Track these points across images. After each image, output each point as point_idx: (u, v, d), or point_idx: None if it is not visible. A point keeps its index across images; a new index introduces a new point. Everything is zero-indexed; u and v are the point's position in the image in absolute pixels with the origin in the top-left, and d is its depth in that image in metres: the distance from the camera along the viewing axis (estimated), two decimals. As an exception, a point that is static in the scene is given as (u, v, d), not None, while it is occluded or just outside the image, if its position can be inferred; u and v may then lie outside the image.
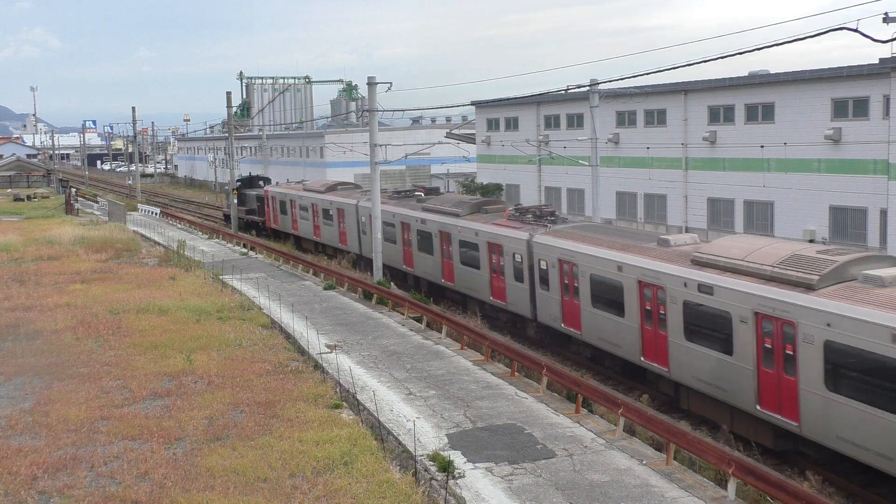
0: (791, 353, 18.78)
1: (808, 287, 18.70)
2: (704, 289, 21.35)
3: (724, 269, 21.19)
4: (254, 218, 64.91)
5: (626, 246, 25.57)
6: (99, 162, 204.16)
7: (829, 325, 17.75)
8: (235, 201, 64.18)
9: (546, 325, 29.71)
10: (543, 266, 29.19)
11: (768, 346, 19.50)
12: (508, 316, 32.68)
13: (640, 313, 24.02)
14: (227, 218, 71.12)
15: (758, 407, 19.84)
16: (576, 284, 27.30)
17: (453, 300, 36.66)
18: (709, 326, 21.37)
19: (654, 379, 24.47)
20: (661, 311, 23.09)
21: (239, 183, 68.61)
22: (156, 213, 79.69)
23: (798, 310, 18.52)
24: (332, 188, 52.71)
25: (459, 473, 16.91)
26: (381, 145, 39.54)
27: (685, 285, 22.03)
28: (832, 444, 17.92)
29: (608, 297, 25.59)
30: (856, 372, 17.29)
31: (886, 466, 16.68)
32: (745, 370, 20.12)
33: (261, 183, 68.69)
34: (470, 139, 71.30)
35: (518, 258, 30.75)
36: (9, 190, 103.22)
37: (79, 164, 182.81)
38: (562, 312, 28.30)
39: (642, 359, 24.19)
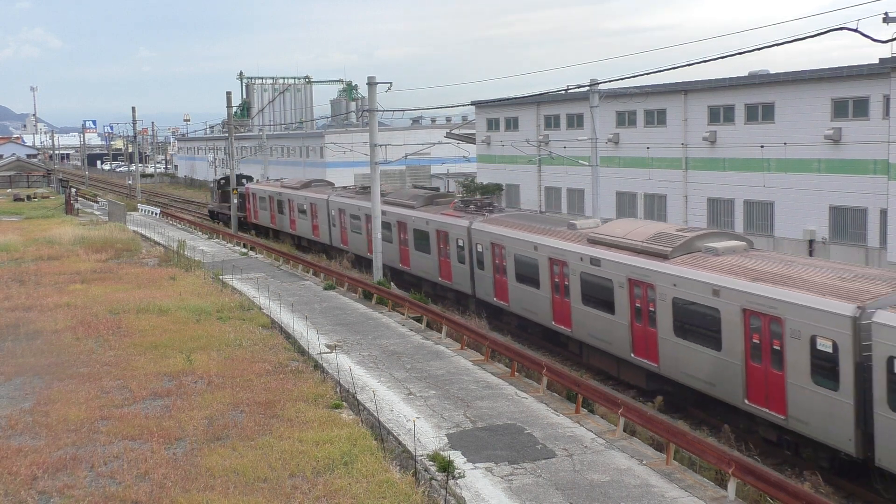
0: (652, 309, 23.71)
1: (664, 257, 23.57)
2: (595, 262, 26.31)
3: (610, 245, 26.07)
4: (237, 213, 67.70)
5: (542, 230, 30.37)
6: (99, 162, 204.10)
7: (675, 285, 22.68)
8: (236, 201, 64.36)
9: (483, 300, 34.06)
10: (480, 249, 33.90)
11: (638, 305, 24.41)
12: (454, 294, 36.89)
13: (551, 285, 28.92)
14: (211, 214, 75.76)
15: (632, 355, 24.77)
16: (504, 264, 32.02)
17: (409, 283, 40.33)
18: (598, 292, 26.26)
19: (565, 340, 28.99)
20: (566, 282, 27.94)
21: (223, 180, 73.44)
22: (156, 213, 79.71)
23: (655, 274, 23.47)
24: (306, 185, 57.50)
25: (459, 473, 16.92)
26: (381, 145, 39.50)
27: (581, 259, 27.00)
28: (679, 378, 22.82)
29: (528, 273, 30.35)
30: (691, 320, 22.24)
31: (712, 391, 21.67)
32: (623, 326, 25.07)
33: (243, 181, 72.47)
34: (470, 139, 71.25)
35: (460, 243, 35.36)
36: (9, 190, 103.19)
37: (79, 164, 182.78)
38: (494, 288, 32.97)
39: (553, 323, 29.00)
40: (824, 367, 18.22)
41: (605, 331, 25.83)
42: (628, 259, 24.70)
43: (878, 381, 16.95)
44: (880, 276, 19.70)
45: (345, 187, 55.73)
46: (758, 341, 19.95)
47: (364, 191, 48.73)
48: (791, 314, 18.95)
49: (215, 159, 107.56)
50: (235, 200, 64.15)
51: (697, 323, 21.93)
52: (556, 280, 28.47)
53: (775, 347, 19.45)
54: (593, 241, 26.81)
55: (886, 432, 16.83)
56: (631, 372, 25.24)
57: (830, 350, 18.04)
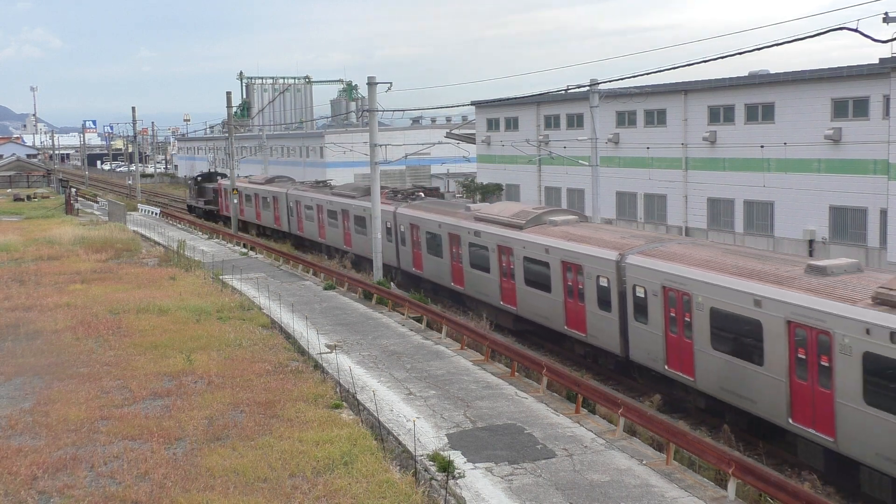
0: (512, 267, 31.02)
1: (519, 227, 31.02)
2: (477, 234, 33.58)
3: (489, 221, 33.31)
4: (211, 207, 76.12)
5: (445, 211, 37.44)
6: (99, 162, 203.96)
7: (524, 247, 30.15)
8: (236, 201, 64.40)
9: (405, 270, 41.06)
10: (402, 229, 40.83)
11: (504, 265, 31.70)
12: (385, 267, 41.19)
13: (450, 254, 36.02)
14: (189, 208, 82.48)
15: (501, 303, 32.14)
16: (419, 240, 38.97)
17: (352, 261, 46.52)
18: (479, 257, 33.56)
19: (462, 298, 35.73)
20: (460, 251, 35.11)
21: (199, 177, 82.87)
22: (156, 213, 79.74)
23: (512, 241, 31.05)
24: (270, 180, 64.80)
25: (459, 473, 16.92)
26: (381, 145, 39.50)
27: (469, 233, 34.23)
28: (531, 318, 30.27)
29: (435, 246, 37.43)
30: (534, 273, 29.65)
31: (548, 324, 29.16)
32: (495, 281, 32.48)
33: (218, 178, 79.82)
34: (470, 139, 71.23)
35: (388, 225, 42.05)
36: (9, 190, 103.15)
37: (79, 164, 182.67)
38: (413, 260, 40.08)
39: (452, 284, 36.20)
40: (603, 298, 26.03)
41: (485, 286, 33.26)
42: (498, 230, 32.12)
43: (630, 303, 24.81)
44: (643, 235, 27.99)
45: (303, 182, 62.92)
46: (570, 283, 27.66)
47: (318, 185, 56.80)
48: (586, 262, 26.76)
49: (215, 159, 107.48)
50: (235, 200, 64.20)
51: (537, 274, 29.40)
52: (454, 250, 35.66)
53: (580, 287, 27.14)
54: (478, 219, 34.06)
55: (635, 336, 24.66)
56: (503, 317, 32.29)
57: (606, 285, 25.86)
